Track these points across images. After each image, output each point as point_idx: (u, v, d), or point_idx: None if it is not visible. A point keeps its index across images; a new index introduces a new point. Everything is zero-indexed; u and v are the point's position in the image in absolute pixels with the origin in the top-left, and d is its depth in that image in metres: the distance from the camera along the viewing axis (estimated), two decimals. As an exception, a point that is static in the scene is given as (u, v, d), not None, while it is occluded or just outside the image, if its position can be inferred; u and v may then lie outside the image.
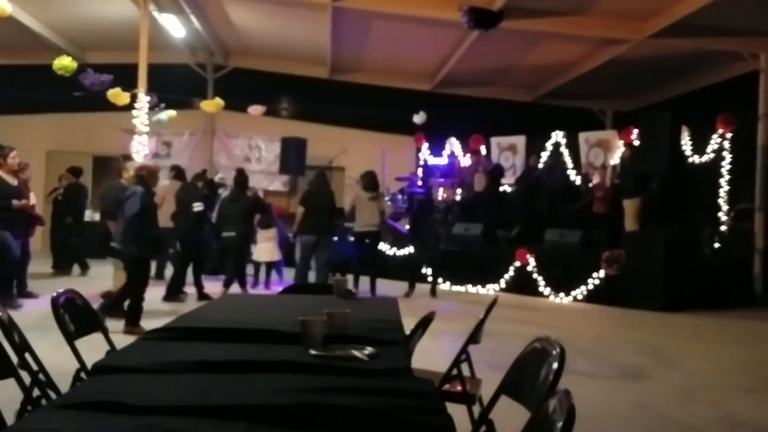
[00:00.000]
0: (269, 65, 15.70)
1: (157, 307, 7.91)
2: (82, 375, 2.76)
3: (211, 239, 10.19)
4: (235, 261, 9.54)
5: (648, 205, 10.40)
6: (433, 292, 10.51)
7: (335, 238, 10.63)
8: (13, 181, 8.23)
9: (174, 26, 12.96)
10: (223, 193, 11.53)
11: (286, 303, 3.68)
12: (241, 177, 9.91)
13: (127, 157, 11.21)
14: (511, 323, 7.68)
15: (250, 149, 16.59)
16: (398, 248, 12.28)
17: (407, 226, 13.49)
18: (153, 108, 12.05)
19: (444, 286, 11.47)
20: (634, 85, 14.83)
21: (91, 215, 14.82)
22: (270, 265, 10.75)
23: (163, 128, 14.16)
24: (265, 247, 10.48)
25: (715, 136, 11.78)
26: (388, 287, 10.74)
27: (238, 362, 2.20)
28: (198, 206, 9.22)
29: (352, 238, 10.95)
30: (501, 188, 12.99)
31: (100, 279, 9.73)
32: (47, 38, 13.56)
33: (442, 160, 14.52)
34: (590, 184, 12.41)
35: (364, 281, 9.99)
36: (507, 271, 11.00)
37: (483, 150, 14.29)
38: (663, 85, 14.56)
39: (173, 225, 9.49)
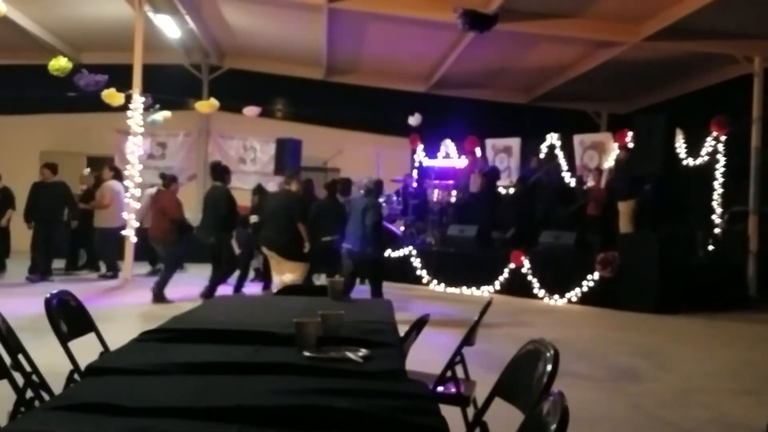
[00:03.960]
0: (264, 66, 15.70)
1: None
2: (76, 376, 2.76)
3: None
4: (333, 263, 9.43)
5: (642, 207, 10.41)
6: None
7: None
8: None
9: (169, 27, 12.95)
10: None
11: (280, 304, 3.67)
12: (341, 184, 10.09)
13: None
14: (505, 325, 7.69)
15: (245, 150, 16.54)
16: (392, 250, 12.26)
17: (402, 228, 13.54)
18: (148, 109, 12.06)
19: (439, 287, 11.57)
20: (628, 87, 14.88)
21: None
22: None
23: (158, 129, 14.13)
24: None
25: (709, 138, 11.79)
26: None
27: (232, 364, 2.20)
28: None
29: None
30: (496, 190, 13.00)
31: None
32: (42, 39, 13.54)
33: (437, 162, 14.52)
34: (585, 187, 12.43)
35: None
36: (502, 273, 10.99)
37: (478, 152, 14.29)
38: (658, 88, 14.61)
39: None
